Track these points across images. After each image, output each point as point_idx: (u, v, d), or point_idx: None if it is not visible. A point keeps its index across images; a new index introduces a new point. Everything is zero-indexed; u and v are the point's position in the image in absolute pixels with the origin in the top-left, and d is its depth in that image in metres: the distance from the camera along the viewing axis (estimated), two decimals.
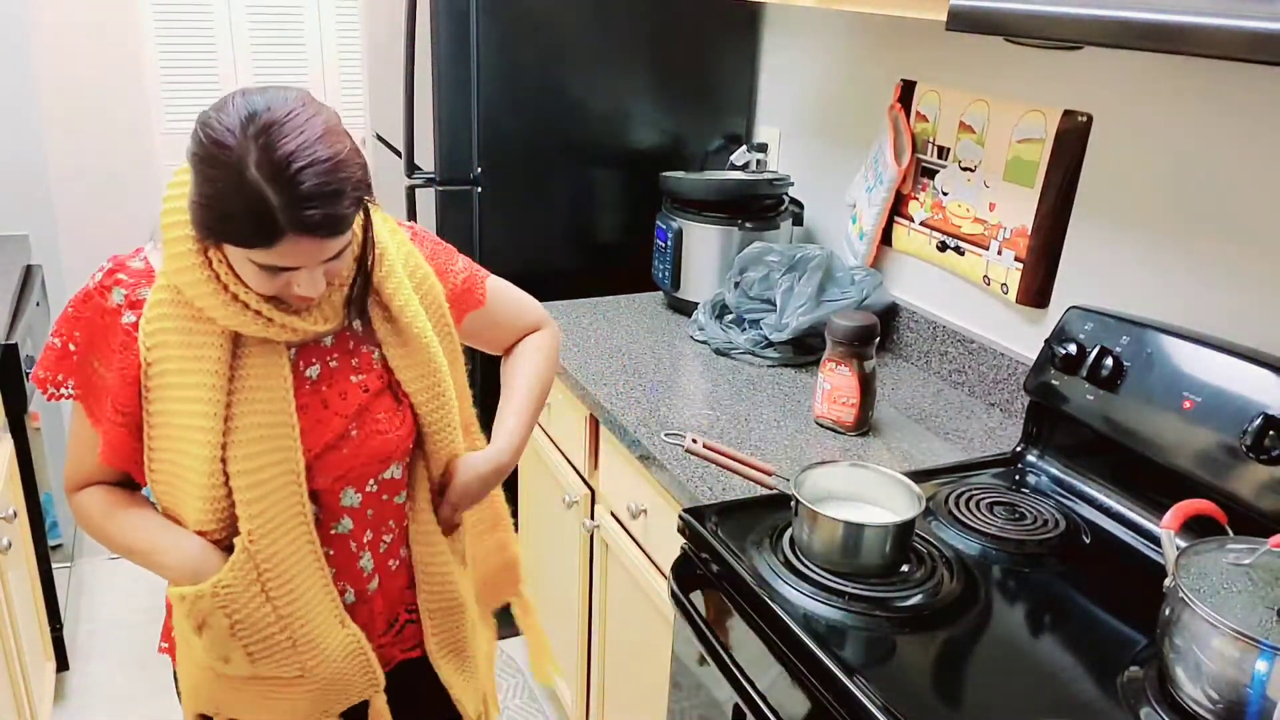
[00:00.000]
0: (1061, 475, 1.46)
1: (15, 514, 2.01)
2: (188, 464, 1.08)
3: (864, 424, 1.62)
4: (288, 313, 1.07)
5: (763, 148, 2.31)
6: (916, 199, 1.91)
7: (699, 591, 1.32)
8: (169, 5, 3.57)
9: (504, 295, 1.38)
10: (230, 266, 1.04)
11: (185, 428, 1.07)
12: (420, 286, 1.22)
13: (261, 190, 0.93)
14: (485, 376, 2.32)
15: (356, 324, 1.18)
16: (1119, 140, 1.50)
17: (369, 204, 1.08)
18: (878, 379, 1.65)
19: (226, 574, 1.09)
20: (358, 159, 1.00)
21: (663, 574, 1.58)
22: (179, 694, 1.23)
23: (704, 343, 1.99)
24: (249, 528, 1.09)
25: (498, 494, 1.39)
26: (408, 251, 1.23)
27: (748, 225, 2.07)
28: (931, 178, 1.86)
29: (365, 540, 1.21)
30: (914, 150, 1.89)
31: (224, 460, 1.07)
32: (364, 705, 1.22)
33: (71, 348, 1.09)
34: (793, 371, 1.88)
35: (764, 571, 1.22)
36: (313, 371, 1.15)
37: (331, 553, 1.17)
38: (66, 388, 1.10)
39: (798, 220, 2.20)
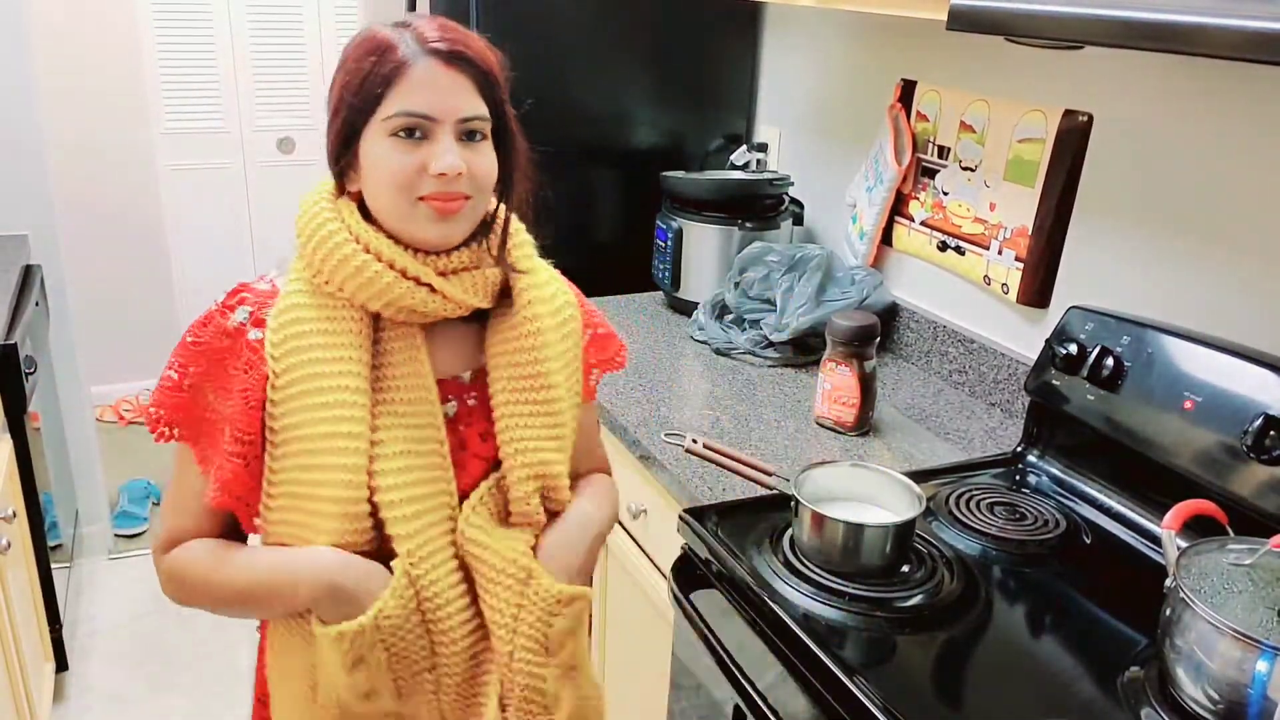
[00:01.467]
0: (1062, 475, 1.46)
1: (15, 514, 2.01)
2: (324, 479, 0.96)
3: (864, 424, 1.62)
4: (435, 271, 0.99)
5: (763, 148, 2.31)
6: (917, 199, 1.91)
7: (699, 592, 1.32)
8: (169, 5, 3.57)
9: (595, 413, 1.25)
10: (372, 222, 0.99)
11: (325, 435, 0.96)
12: (561, 313, 1.12)
13: (388, 36, 0.96)
14: None
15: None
16: (1119, 140, 1.50)
17: (513, 127, 1.04)
18: (878, 379, 1.65)
19: (390, 602, 0.96)
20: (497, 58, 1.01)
21: (663, 574, 1.58)
22: None
23: (704, 343, 1.99)
24: (407, 547, 0.97)
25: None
26: (558, 287, 1.15)
27: (748, 225, 2.07)
28: (932, 177, 1.86)
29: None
30: (914, 150, 1.89)
31: (370, 473, 0.97)
32: None
33: (186, 382, 0.99)
34: (793, 371, 1.88)
35: (764, 572, 1.22)
36: (450, 408, 1.05)
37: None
38: (174, 428, 1.01)
39: (798, 220, 2.20)
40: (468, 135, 0.97)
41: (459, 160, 0.95)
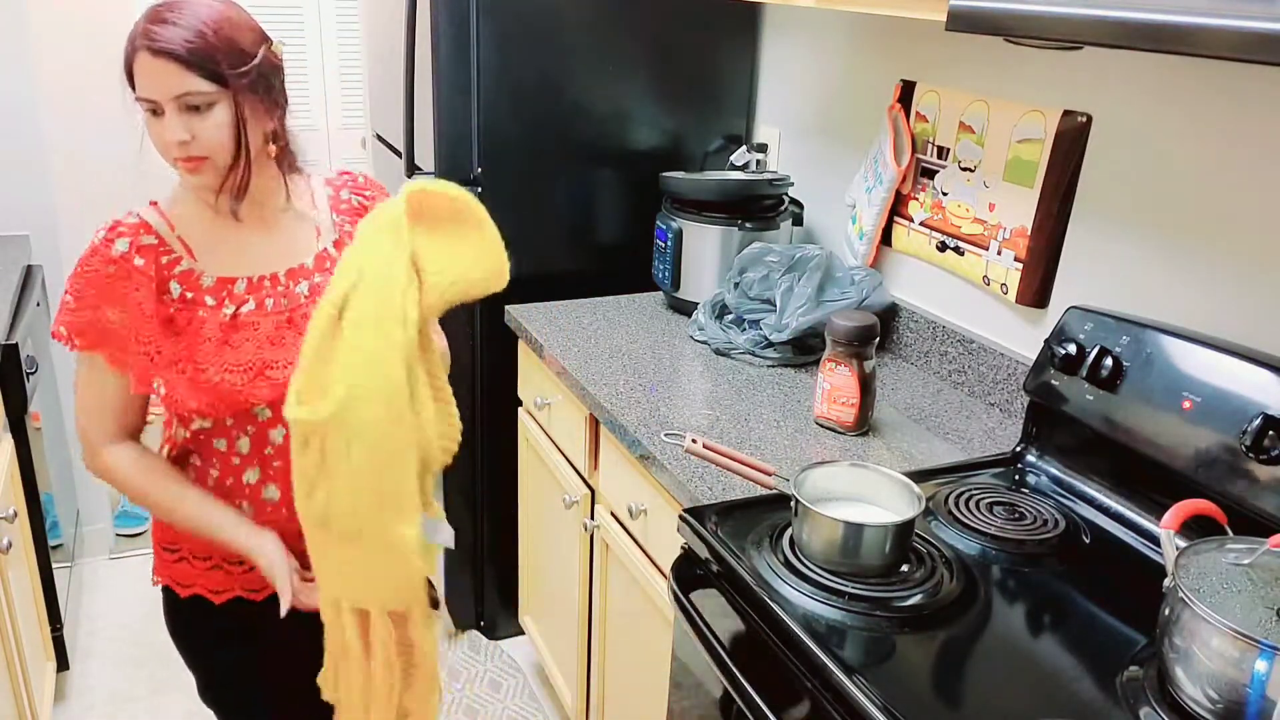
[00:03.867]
0: (1061, 475, 1.46)
1: (15, 514, 2.01)
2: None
3: (864, 424, 1.62)
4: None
5: (763, 148, 2.31)
6: (916, 199, 1.91)
7: (699, 591, 1.32)
8: None
9: None
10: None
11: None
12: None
13: (132, 29, 1.16)
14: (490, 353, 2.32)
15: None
16: (1119, 140, 1.50)
17: (245, 92, 1.19)
18: (878, 379, 1.65)
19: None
20: (240, 32, 1.18)
21: (663, 574, 1.59)
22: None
23: (704, 343, 1.99)
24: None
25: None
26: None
27: (748, 225, 2.07)
28: (931, 178, 1.87)
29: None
30: (914, 150, 1.89)
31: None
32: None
33: (86, 304, 1.22)
34: (793, 371, 1.88)
35: (764, 571, 1.22)
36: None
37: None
38: (83, 339, 1.23)
39: (798, 220, 2.20)
40: (192, 108, 1.16)
41: (182, 132, 1.16)
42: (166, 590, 1.42)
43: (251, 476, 1.33)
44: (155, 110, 1.17)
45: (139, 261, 1.23)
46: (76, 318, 1.23)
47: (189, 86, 1.15)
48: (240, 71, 1.17)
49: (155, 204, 1.28)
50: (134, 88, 1.17)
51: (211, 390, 1.25)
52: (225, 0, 1.21)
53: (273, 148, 1.28)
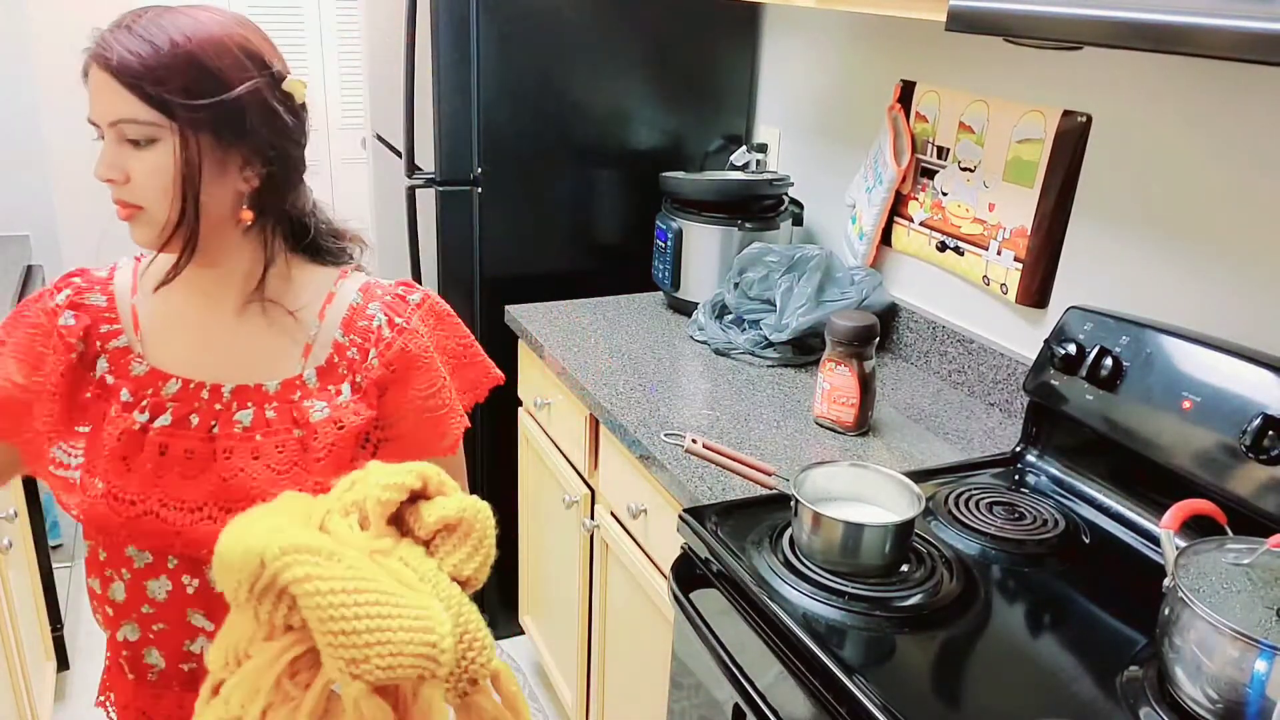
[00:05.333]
0: (1061, 475, 1.46)
1: (15, 514, 2.01)
2: None
3: (864, 424, 1.62)
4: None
5: (763, 148, 2.31)
6: (916, 199, 1.91)
7: (699, 591, 1.32)
8: None
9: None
10: None
11: None
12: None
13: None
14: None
15: None
16: (1119, 140, 1.50)
17: (197, 129, 0.91)
18: (878, 379, 1.65)
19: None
20: (218, 53, 0.91)
21: (663, 574, 1.59)
22: None
23: (704, 343, 1.99)
24: None
25: None
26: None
27: (748, 225, 2.07)
28: (931, 178, 1.87)
29: None
30: (914, 150, 1.89)
31: None
32: None
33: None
34: (793, 371, 1.88)
35: (764, 571, 1.22)
36: None
37: None
38: None
39: (797, 220, 2.20)
40: (131, 140, 0.91)
41: (112, 169, 0.92)
42: None
43: (129, 633, 1.06)
44: (101, 135, 0.93)
45: (68, 320, 0.99)
46: None
47: (125, 112, 0.89)
48: (195, 104, 0.90)
49: (140, 258, 1.05)
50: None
51: (88, 508, 0.97)
52: (233, 16, 0.95)
53: (246, 213, 0.97)
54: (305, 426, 0.99)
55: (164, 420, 0.98)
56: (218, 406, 0.99)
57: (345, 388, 1.01)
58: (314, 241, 1.06)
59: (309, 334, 1.02)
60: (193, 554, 0.99)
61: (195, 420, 0.98)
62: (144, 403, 0.98)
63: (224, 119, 0.92)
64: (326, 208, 1.10)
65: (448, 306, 1.10)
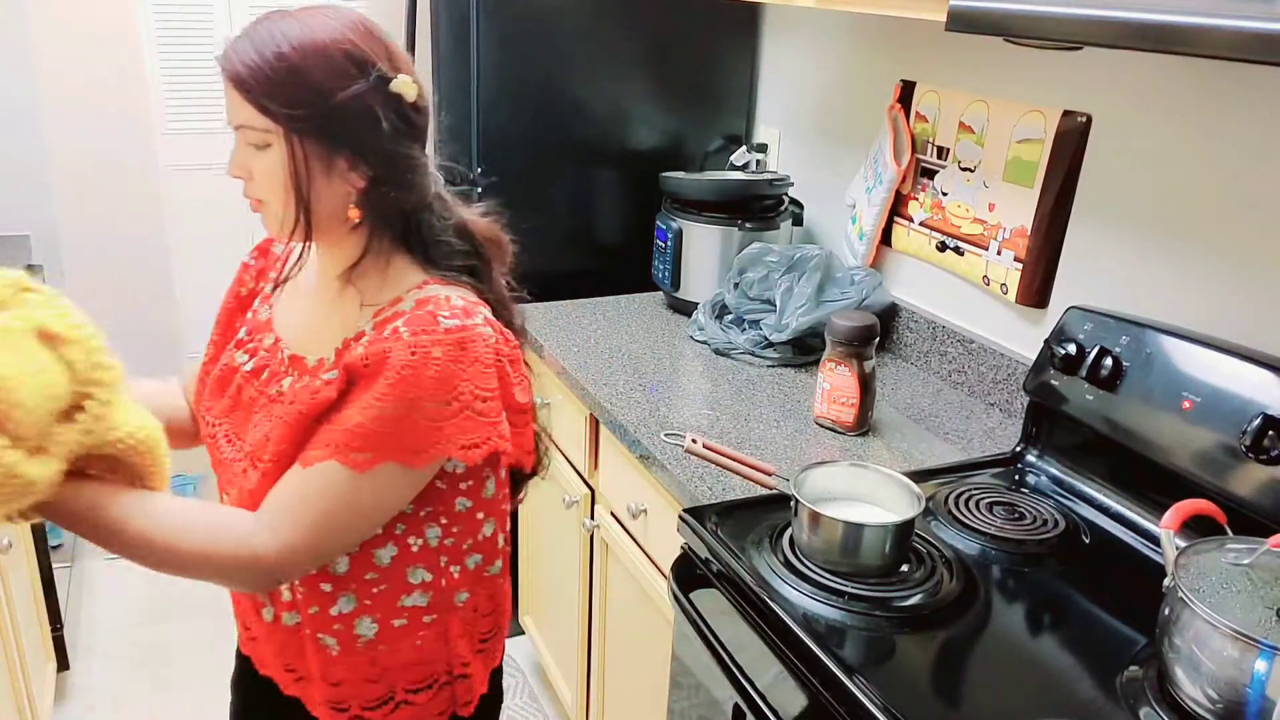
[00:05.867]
0: (1061, 475, 1.46)
1: None
2: None
3: (864, 424, 1.62)
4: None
5: (763, 148, 2.31)
6: (916, 199, 1.91)
7: (699, 591, 1.32)
8: (169, 5, 3.57)
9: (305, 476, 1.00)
10: None
11: None
12: None
13: None
14: None
15: None
16: (1119, 140, 1.50)
17: (304, 136, 0.97)
18: (877, 379, 1.65)
19: None
20: (316, 61, 0.95)
21: (663, 574, 1.58)
22: None
23: (704, 343, 1.99)
24: None
25: None
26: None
27: (748, 225, 2.08)
28: (931, 178, 1.87)
29: None
30: (914, 150, 1.89)
31: None
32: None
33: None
34: (793, 371, 1.88)
35: (764, 571, 1.22)
36: None
37: None
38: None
39: (797, 220, 2.20)
40: (252, 143, 0.99)
41: (234, 165, 1.01)
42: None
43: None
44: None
45: (249, 260, 1.22)
46: None
47: (243, 119, 0.97)
48: (297, 114, 0.95)
49: None
50: None
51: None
52: (345, 19, 0.98)
53: (354, 211, 1.02)
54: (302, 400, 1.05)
55: (248, 365, 1.10)
56: (281, 368, 1.08)
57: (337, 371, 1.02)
58: (421, 241, 1.07)
59: (360, 327, 1.03)
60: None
61: (266, 374, 1.08)
62: (249, 345, 1.12)
63: (326, 125, 0.97)
64: (462, 208, 1.12)
65: (490, 353, 1.01)
